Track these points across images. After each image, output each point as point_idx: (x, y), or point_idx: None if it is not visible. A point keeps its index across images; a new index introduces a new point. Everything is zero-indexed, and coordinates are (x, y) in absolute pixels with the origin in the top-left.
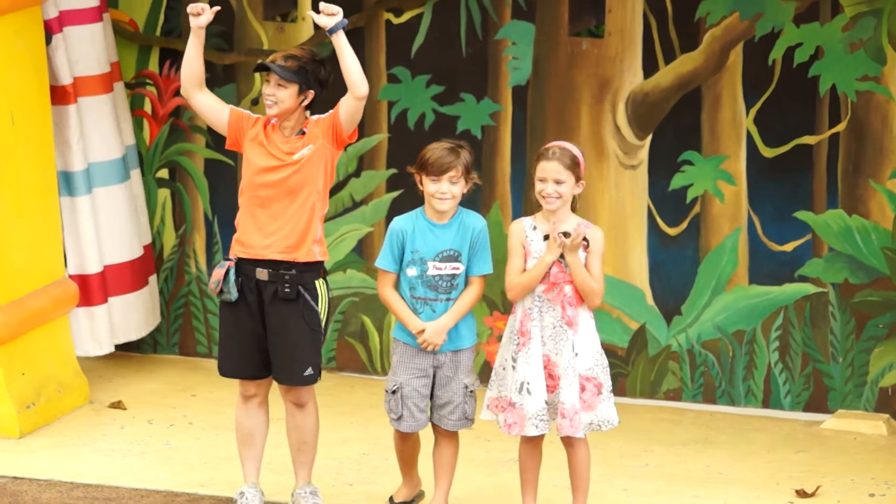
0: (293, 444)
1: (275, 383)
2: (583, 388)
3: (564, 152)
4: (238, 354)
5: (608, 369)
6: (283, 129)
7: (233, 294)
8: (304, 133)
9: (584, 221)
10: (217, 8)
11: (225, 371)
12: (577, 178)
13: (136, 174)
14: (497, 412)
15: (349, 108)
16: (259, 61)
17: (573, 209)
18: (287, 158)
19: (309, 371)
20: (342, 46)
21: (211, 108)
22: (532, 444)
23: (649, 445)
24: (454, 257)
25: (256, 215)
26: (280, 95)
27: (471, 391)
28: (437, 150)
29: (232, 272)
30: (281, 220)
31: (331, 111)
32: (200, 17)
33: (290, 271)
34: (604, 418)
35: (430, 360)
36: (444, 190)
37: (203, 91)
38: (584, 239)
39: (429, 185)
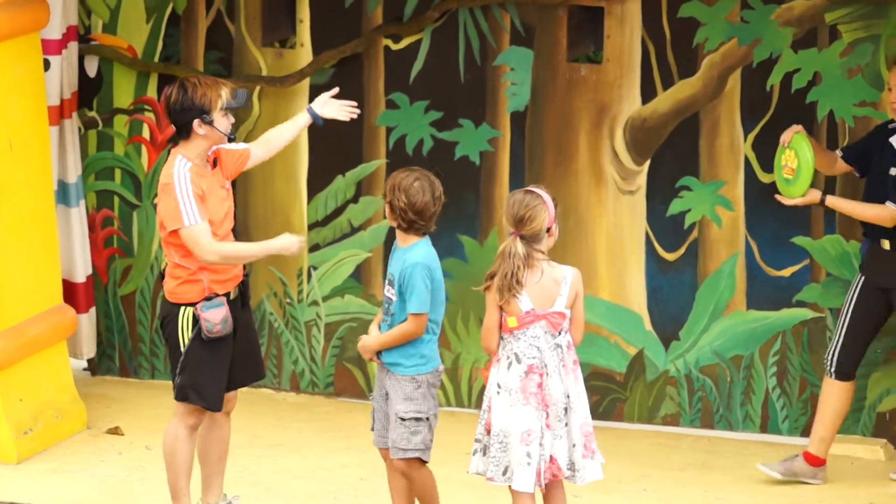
0: (214, 457)
1: None
2: None
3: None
4: (224, 384)
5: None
6: (203, 165)
7: (232, 325)
8: (216, 163)
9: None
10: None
11: (219, 404)
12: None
13: (75, 212)
14: None
15: (255, 164)
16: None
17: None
18: (223, 192)
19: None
20: (301, 131)
21: None
22: None
23: (647, 470)
24: (391, 282)
25: None
26: None
27: (402, 419)
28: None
29: (227, 306)
30: (235, 241)
31: (240, 149)
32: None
33: (245, 276)
34: None
35: (382, 378)
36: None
37: None
38: None
39: None
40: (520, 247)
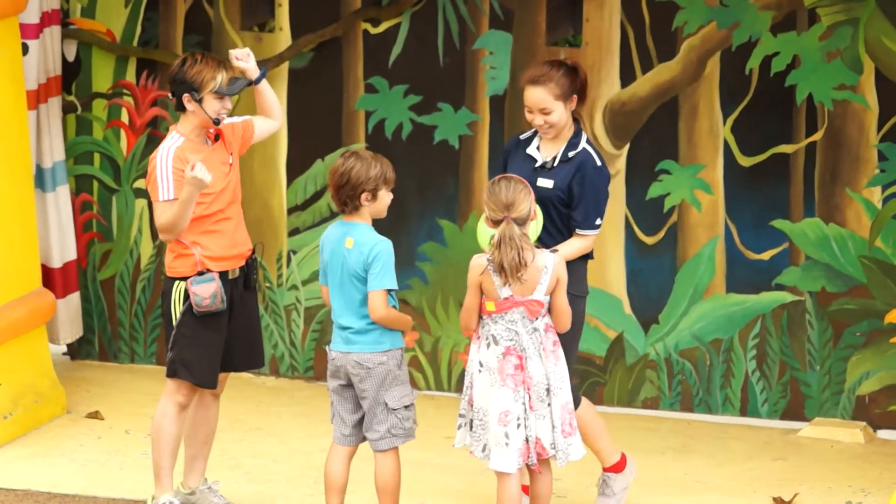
0: (200, 440)
1: None
2: None
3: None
4: (217, 362)
5: None
6: (200, 140)
7: (225, 302)
8: (218, 138)
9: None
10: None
11: (210, 382)
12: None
13: (50, 197)
14: None
15: (267, 132)
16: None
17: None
18: (225, 167)
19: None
20: (267, 91)
21: None
22: None
23: (627, 454)
24: None
25: (225, 228)
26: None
27: None
28: None
29: (220, 282)
30: (240, 222)
31: (242, 121)
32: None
33: (252, 259)
34: None
35: None
36: None
37: None
38: None
39: None
40: (516, 230)
